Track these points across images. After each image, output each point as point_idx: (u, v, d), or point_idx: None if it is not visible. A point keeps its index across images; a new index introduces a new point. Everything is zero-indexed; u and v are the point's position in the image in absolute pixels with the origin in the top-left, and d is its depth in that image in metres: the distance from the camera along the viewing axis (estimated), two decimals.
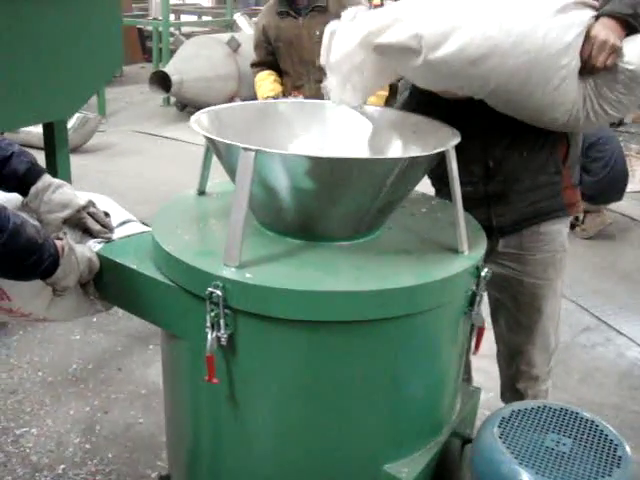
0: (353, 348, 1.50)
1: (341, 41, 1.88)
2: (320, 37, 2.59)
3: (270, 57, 4.12)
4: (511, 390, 2.39)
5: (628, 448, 1.64)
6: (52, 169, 3.74)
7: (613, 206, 5.91)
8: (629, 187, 6.13)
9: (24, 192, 1.77)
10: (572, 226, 5.46)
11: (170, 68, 8.72)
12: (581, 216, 5.61)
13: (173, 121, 9.49)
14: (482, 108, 1.91)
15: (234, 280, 1.44)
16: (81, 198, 1.80)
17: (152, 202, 6.11)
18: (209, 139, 1.61)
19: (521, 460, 1.57)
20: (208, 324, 1.47)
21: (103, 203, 1.92)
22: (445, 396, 1.75)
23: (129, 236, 1.84)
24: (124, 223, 1.90)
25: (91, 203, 1.81)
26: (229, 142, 1.49)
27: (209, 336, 1.47)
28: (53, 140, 3.77)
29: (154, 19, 10.81)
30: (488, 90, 1.79)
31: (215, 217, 1.79)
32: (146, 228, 1.88)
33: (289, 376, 1.52)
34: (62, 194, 1.77)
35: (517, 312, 2.26)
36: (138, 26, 12.73)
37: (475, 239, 1.71)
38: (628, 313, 4.42)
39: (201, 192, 1.94)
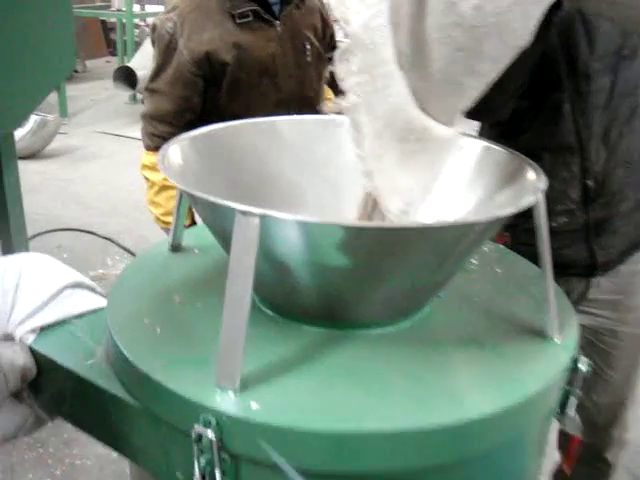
0: None
1: None
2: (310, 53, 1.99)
3: (195, 100, 2.52)
4: (590, 463, 1.93)
5: None
6: None
7: None
8: None
9: None
10: None
11: (135, 63, 8.13)
12: None
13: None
14: (578, 105, 1.48)
15: (233, 415, 0.93)
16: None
17: (121, 214, 5.57)
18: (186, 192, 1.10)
19: None
20: (197, 474, 0.97)
21: (41, 266, 1.40)
22: None
23: (76, 316, 1.32)
24: (72, 287, 1.38)
25: None
26: (219, 201, 0.98)
27: None
28: None
29: (117, 10, 10.16)
30: None
31: (197, 291, 1.27)
32: (99, 299, 1.36)
33: None
34: None
35: (609, 370, 1.83)
36: (101, 18, 12.05)
37: (563, 315, 1.22)
38: None
39: (174, 248, 1.44)
